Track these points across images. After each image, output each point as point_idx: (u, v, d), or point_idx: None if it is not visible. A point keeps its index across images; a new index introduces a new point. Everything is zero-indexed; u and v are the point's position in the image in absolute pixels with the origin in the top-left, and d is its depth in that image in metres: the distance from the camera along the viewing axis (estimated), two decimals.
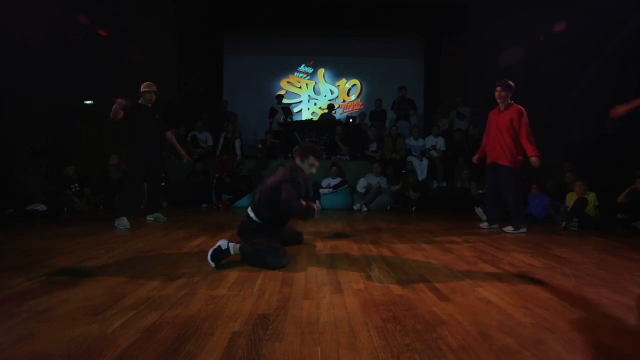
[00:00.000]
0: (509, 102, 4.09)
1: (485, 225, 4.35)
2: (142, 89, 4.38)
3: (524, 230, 4.01)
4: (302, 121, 9.43)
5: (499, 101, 4.12)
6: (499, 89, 4.08)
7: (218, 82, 9.82)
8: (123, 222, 4.05)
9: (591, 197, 4.58)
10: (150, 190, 4.58)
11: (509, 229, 4.04)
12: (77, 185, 5.89)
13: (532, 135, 3.94)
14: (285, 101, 9.24)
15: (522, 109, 4.00)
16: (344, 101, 10.06)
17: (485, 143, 4.33)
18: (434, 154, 7.26)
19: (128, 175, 4.36)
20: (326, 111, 8.96)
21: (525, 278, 2.25)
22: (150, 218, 4.57)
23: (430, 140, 7.46)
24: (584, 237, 3.86)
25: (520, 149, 4.00)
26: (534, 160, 3.89)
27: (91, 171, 6.42)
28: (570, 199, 4.75)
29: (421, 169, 7.05)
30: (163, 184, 4.95)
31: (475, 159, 4.45)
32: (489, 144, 4.21)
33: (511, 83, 4.08)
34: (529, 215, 5.11)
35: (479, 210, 5.20)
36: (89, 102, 7.02)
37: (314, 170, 2.92)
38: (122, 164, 5.96)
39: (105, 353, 1.26)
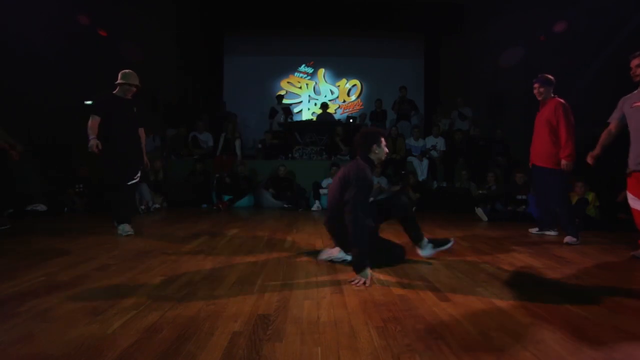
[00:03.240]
0: (551, 95, 3.73)
1: (535, 230, 3.95)
2: (119, 79, 3.77)
3: (578, 240, 3.53)
4: (302, 121, 9.43)
5: (539, 98, 3.79)
6: (536, 85, 3.75)
7: (218, 82, 9.81)
8: (125, 229, 3.68)
9: (591, 197, 4.58)
10: (121, 194, 3.77)
11: (569, 239, 3.50)
12: (81, 185, 5.89)
13: (572, 134, 3.55)
14: (285, 101, 9.24)
15: (561, 101, 3.62)
16: (344, 101, 10.06)
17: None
18: (433, 153, 7.26)
19: (106, 180, 3.82)
20: (321, 111, 8.95)
21: (526, 278, 2.25)
22: (119, 230, 3.71)
23: (430, 140, 7.46)
24: (584, 237, 3.85)
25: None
26: (562, 163, 3.53)
27: (91, 171, 6.41)
28: (571, 199, 4.75)
29: (421, 169, 7.05)
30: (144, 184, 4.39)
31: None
32: (532, 144, 3.89)
33: (549, 77, 3.75)
34: (529, 214, 5.11)
35: (479, 210, 5.21)
36: (89, 102, 7.02)
37: (386, 150, 2.59)
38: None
39: (105, 353, 1.26)
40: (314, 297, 1.86)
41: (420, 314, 1.64)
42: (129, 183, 3.76)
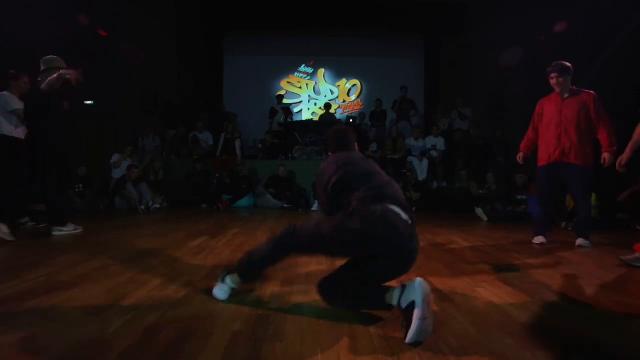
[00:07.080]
0: (572, 87, 3.32)
1: (542, 239, 3.43)
2: None
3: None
4: (302, 121, 9.43)
5: (557, 89, 3.33)
6: (554, 74, 3.28)
7: (218, 82, 9.82)
8: None
9: (592, 197, 4.58)
10: None
11: (582, 241, 3.33)
12: (80, 185, 5.89)
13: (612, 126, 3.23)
14: (285, 101, 9.24)
15: (594, 93, 3.28)
16: (344, 101, 10.06)
17: (531, 138, 3.60)
18: (433, 153, 7.26)
19: None
20: (324, 111, 8.96)
21: (526, 278, 2.25)
22: None
23: (430, 140, 7.46)
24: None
25: (591, 143, 3.31)
26: (607, 156, 3.20)
27: (91, 171, 6.42)
28: (570, 199, 4.75)
29: (421, 169, 7.05)
30: None
31: (520, 157, 3.66)
32: (546, 139, 3.43)
33: (567, 64, 3.29)
34: (529, 214, 5.12)
35: (479, 211, 5.22)
36: (89, 102, 7.02)
37: None
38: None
39: (105, 353, 1.26)
40: (314, 297, 1.86)
41: None
42: None
